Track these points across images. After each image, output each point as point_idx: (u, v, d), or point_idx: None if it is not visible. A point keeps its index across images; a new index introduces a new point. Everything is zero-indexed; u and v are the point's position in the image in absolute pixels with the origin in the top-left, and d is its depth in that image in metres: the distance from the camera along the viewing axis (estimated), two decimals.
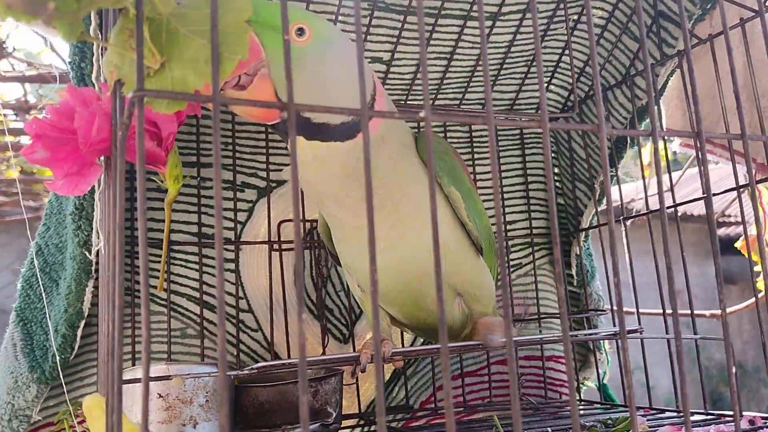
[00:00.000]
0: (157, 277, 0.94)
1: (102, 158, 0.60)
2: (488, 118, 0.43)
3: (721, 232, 4.36)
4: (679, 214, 0.87)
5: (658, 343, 0.92)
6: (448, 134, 1.14)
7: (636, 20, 1.01)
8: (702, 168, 0.49)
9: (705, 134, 0.51)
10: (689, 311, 0.89)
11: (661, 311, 0.94)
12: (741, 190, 0.82)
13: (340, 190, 0.61)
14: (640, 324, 0.80)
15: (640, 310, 0.97)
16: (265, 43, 0.54)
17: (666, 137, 0.96)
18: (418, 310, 0.75)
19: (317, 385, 0.79)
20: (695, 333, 0.89)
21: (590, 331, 0.94)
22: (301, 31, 0.56)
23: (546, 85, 1.16)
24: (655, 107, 0.98)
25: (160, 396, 0.69)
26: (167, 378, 0.65)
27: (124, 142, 0.44)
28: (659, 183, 0.50)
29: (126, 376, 0.72)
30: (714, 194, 0.86)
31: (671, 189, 0.92)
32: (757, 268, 1.57)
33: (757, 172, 0.87)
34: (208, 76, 0.47)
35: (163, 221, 0.94)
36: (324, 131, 0.57)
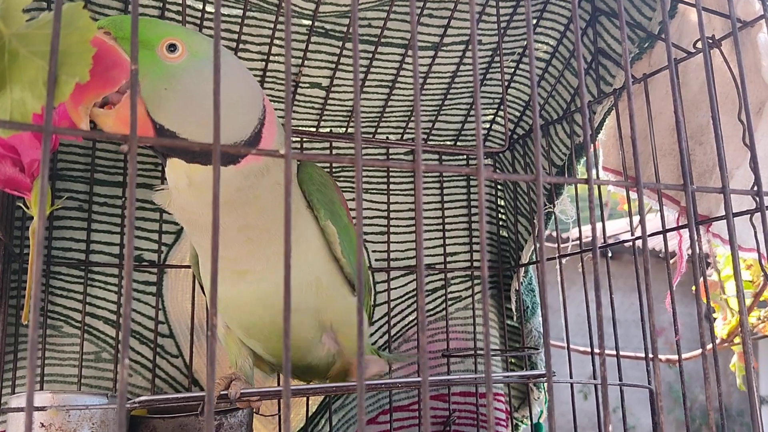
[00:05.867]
0: (72, 298, 0.91)
1: None
2: (357, 159, 0.41)
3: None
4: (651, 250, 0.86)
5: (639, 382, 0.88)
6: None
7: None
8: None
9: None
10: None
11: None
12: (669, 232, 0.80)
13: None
14: (603, 366, 0.77)
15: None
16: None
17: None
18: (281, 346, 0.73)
19: (221, 418, 0.76)
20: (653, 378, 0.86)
21: (507, 374, 0.91)
22: (173, 48, 0.53)
23: (492, 117, 1.15)
24: (592, 153, 0.96)
25: (43, 425, 0.66)
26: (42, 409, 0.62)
27: None
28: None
29: (12, 404, 0.70)
30: (649, 234, 0.85)
31: (603, 229, 0.91)
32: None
33: (680, 216, 0.85)
34: (45, 98, 0.45)
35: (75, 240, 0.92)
36: (205, 154, 0.55)
